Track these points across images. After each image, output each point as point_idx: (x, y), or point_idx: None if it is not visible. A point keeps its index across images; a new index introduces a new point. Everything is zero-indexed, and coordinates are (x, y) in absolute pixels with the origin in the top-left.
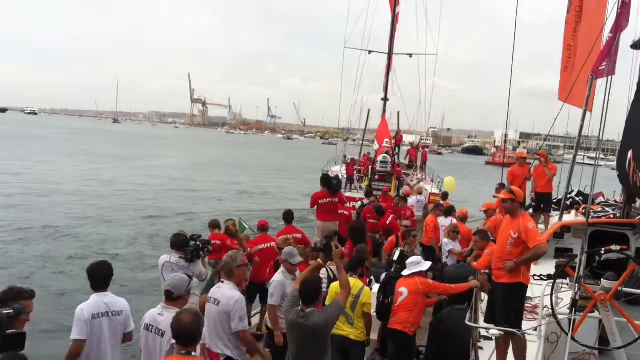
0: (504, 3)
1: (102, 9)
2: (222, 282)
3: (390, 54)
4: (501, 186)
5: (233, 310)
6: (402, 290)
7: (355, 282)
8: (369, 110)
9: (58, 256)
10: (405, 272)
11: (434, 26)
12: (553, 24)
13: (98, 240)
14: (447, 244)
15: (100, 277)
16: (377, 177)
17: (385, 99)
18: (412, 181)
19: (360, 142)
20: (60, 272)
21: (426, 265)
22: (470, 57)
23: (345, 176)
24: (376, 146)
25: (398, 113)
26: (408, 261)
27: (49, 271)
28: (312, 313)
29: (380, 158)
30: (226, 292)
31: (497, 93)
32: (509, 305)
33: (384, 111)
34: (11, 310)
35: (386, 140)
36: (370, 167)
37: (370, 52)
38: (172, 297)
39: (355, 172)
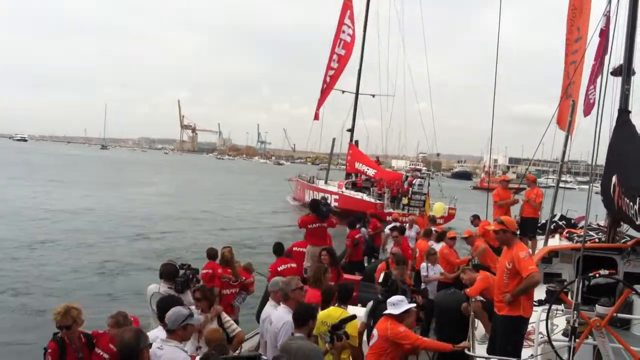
0: (494, 27)
1: (91, 34)
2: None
3: (357, 94)
4: (475, 217)
5: (280, 331)
6: (374, 333)
7: (342, 313)
8: (334, 138)
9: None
10: (386, 312)
11: (419, 49)
12: (542, 51)
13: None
14: (423, 269)
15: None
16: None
17: (352, 130)
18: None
19: (329, 167)
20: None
21: (403, 307)
22: (460, 80)
23: (390, 196)
24: (371, 171)
25: (357, 142)
26: (389, 300)
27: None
28: (300, 338)
29: (417, 182)
30: (280, 314)
31: (487, 117)
32: (507, 338)
33: (351, 140)
34: None
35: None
36: (409, 189)
37: (343, 92)
38: (167, 330)
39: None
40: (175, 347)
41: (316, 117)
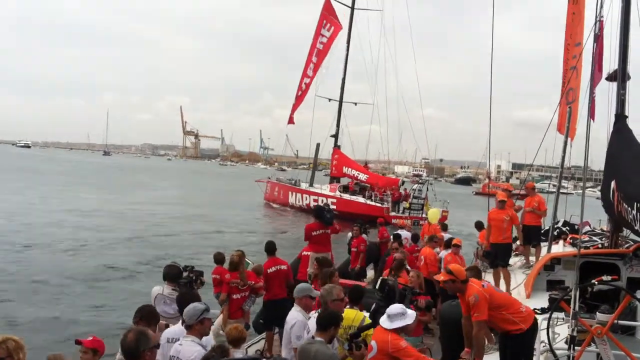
0: (499, 31)
1: (90, 39)
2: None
3: (340, 101)
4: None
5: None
6: (373, 345)
7: (356, 314)
8: (318, 143)
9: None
10: (382, 322)
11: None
12: (547, 55)
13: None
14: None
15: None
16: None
17: (336, 136)
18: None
19: (314, 170)
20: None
21: (409, 318)
22: (465, 85)
23: (391, 200)
24: (363, 176)
25: (339, 146)
26: (388, 310)
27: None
28: (319, 342)
29: (416, 187)
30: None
31: (492, 123)
32: (515, 354)
33: (335, 145)
34: None
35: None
36: (407, 194)
37: (330, 99)
38: (186, 326)
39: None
40: (192, 342)
41: (291, 121)
